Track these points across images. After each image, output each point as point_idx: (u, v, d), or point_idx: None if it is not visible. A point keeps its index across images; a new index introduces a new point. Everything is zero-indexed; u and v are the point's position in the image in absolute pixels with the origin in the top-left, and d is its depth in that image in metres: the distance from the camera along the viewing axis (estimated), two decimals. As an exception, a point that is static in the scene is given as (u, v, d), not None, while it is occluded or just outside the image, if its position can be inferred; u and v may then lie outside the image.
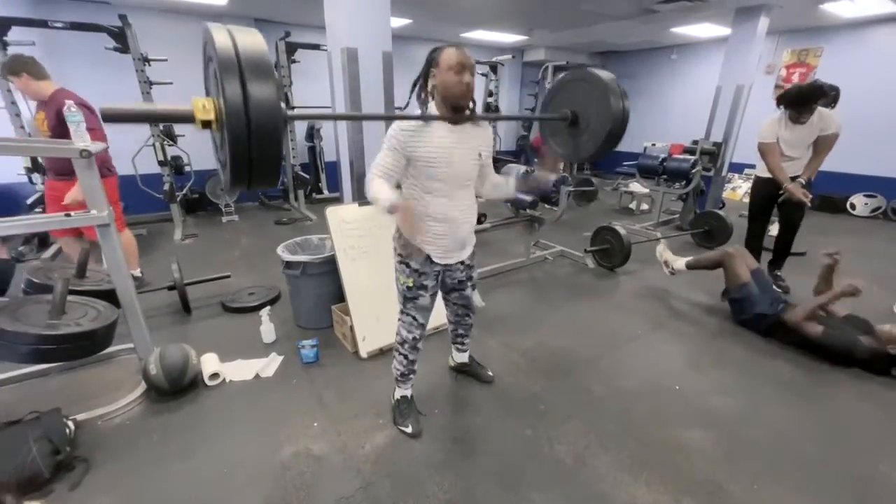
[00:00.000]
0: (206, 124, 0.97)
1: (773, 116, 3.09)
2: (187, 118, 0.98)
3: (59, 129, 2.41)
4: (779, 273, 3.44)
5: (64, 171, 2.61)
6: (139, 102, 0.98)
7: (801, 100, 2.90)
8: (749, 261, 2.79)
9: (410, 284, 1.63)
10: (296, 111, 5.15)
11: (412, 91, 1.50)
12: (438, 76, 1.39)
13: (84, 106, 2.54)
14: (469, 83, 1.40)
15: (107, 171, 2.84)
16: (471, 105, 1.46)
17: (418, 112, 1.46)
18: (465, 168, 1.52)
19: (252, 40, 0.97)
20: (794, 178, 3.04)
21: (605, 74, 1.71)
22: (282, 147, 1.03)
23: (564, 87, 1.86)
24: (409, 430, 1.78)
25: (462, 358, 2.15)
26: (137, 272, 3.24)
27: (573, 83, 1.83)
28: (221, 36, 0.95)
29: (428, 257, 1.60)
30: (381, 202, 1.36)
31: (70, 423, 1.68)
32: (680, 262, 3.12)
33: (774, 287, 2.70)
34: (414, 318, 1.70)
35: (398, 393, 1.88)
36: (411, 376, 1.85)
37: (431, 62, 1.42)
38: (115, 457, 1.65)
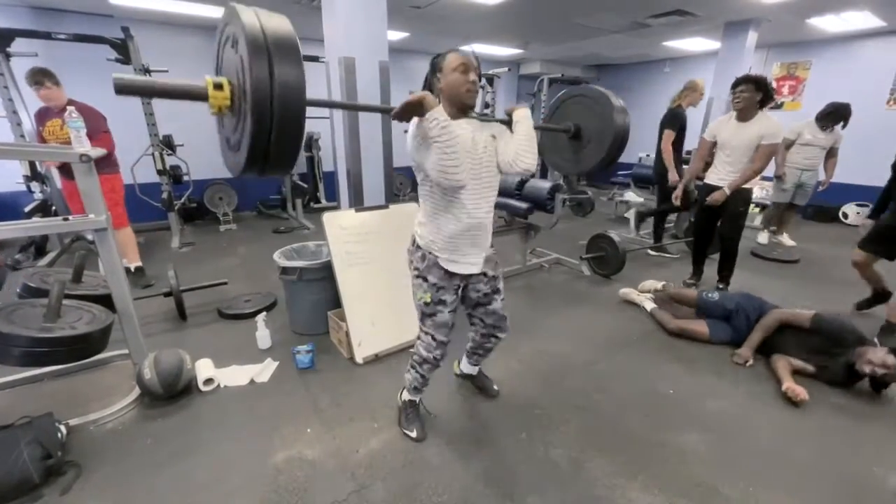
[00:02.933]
0: (219, 104, 0.96)
1: (724, 115, 3.19)
2: (200, 96, 0.97)
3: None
4: (721, 286, 3.28)
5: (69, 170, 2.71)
6: (151, 78, 1.00)
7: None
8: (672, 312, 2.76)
9: (428, 300, 1.55)
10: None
11: (429, 90, 1.46)
12: (444, 79, 1.40)
13: (94, 111, 2.93)
14: (475, 82, 1.40)
15: (115, 168, 3.21)
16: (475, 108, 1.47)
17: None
18: (487, 156, 1.48)
19: (280, 23, 0.96)
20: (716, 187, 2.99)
21: (606, 91, 1.75)
22: (303, 133, 1.00)
23: (564, 103, 1.90)
24: (413, 434, 1.76)
25: (471, 370, 2.06)
26: (138, 263, 3.44)
27: (575, 98, 1.86)
28: (249, 16, 0.93)
29: (446, 271, 1.53)
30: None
31: (62, 428, 1.67)
32: (649, 305, 2.97)
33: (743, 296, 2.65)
34: (433, 336, 1.59)
35: (407, 396, 1.81)
36: (424, 389, 1.78)
37: (435, 67, 1.43)
38: (107, 462, 1.64)
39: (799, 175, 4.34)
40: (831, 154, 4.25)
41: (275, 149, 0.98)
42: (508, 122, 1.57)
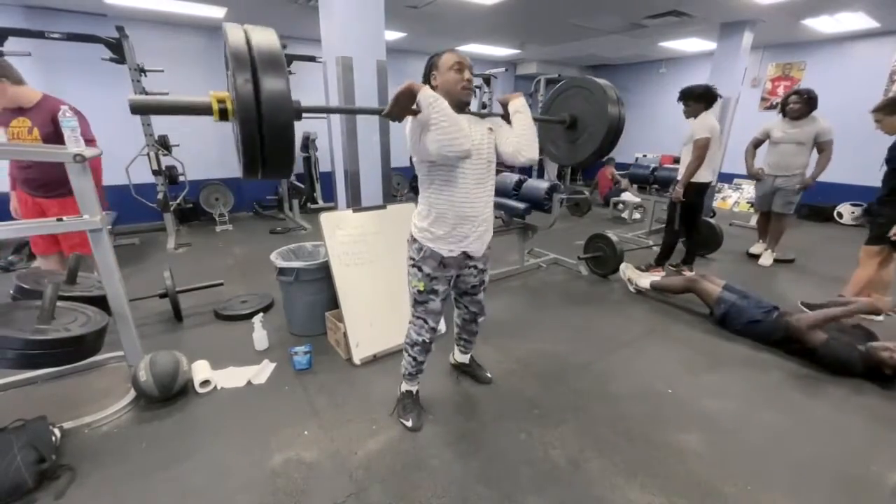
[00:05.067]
0: (222, 115, 1.03)
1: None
2: (206, 110, 1.03)
3: (54, 138, 2.31)
4: (681, 265, 3.69)
5: (46, 183, 2.35)
6: (161, 96, 1.05)
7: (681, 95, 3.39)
8: (715, 280, 2.84)
9: (421, 288, 1.64)
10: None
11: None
12: (440, 77, 1.47)
13: (77, 113, 2.34)
14: (470, 80, 1.47)
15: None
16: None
17: None
18: (485, 145, 1.53)
19: (265, 37, 1.03)
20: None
21: (602, 81, 1.77)
22: (292, 138, 1.05)
23: (562, 93, 1.92)
24: (409, 423, 1.80)
25: (463, 358, 2.18)
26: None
27: (571, 90, 1.89)
28: (235, 34, 1.01)
29: (441, 262, 1.59)
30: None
31: (56, 431, 1.65)
32: (644, 281, 3.15)
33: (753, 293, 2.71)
34: (425, 321, 1.70)
35: (404, 387, 1.89)
36: (419, 375, 1.86)
37: (432, 66, 1.50)
38: (102, 465, 1.61)
39: (772, 180, 3.84)
40: (821, 149, 3.62)
41: (269, 156, 1.04)
42: (506, 116, 1.61)
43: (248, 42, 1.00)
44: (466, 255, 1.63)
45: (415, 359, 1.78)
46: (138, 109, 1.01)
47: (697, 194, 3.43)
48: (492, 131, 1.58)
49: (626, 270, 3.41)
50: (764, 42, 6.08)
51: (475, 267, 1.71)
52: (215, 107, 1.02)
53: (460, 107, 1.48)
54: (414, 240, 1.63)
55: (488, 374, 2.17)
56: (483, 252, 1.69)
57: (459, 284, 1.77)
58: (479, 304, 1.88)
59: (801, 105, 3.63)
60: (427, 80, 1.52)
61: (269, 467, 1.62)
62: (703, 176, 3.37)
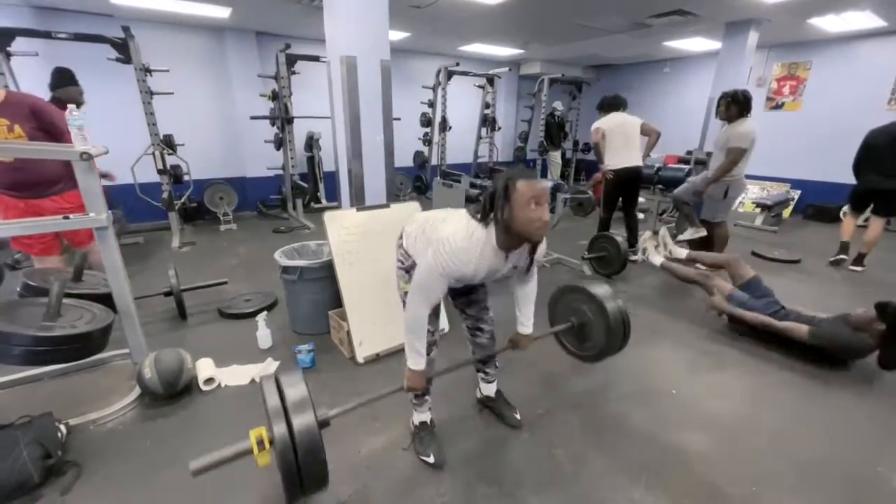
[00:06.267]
0: (263, 455, 1.16)
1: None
2: (247, 453, 1.16)
3: (39, 134, 2.17)
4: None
5: (39, 182, 2.25)
6: (223, 455, 1.13)
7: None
8: (735, 272, 2.80)
9: (408, 290, 1.53)
10: (295, 121, 5.23)
11: (485, 213, 1.30)
12: (514, 211, 1.23)
13: (51, 106, 2.28)
14: (547, 219, 1.26)
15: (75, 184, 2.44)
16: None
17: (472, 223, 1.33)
18: (502, 272, 1.45)
19: (296, 390, 1.19)
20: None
21: (590, 287, 1.76)
22: (325, 463, 1.17)
23: (561, 299, 1.93)
24: (430, 459, 1.63)
25: (488, 390, 1.92)
26: None
27: (567, 296, 1.90)
28: (270, 389, 1.21)
29: None
30: (414, 364, 1.46)
31: (62, 428, 1.66)
32: (658, 260, 3.14)
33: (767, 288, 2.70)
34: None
35: (416, 418, 1.74)
36: (426, 399, 1.69)
37: (505, 193, 1.24)
38: (107, 462, 1.63)
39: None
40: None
41: (306, 481, 1.16)
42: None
43: (281, 397, 1.17)
44: None
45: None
46: (202, 472, 1.13)
47: (615, 182, 3.82)
48: (516, 269, 1.48)
49: (647, 241, 3.38)
50: (769, 41, 6.04)
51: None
52: (256, 449, 1.15)
53: (531, 243, 1.35)
54: (402, 244, 1.58)
55: (517, 416, 1.86)
56: None
57: (459, 295, 1.69)
58: (479, 307, 1.72)
59: (723, 109, 3.47)
60: (492, 203, 1.27)
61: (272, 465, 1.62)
62: (617, 163, 3.74)
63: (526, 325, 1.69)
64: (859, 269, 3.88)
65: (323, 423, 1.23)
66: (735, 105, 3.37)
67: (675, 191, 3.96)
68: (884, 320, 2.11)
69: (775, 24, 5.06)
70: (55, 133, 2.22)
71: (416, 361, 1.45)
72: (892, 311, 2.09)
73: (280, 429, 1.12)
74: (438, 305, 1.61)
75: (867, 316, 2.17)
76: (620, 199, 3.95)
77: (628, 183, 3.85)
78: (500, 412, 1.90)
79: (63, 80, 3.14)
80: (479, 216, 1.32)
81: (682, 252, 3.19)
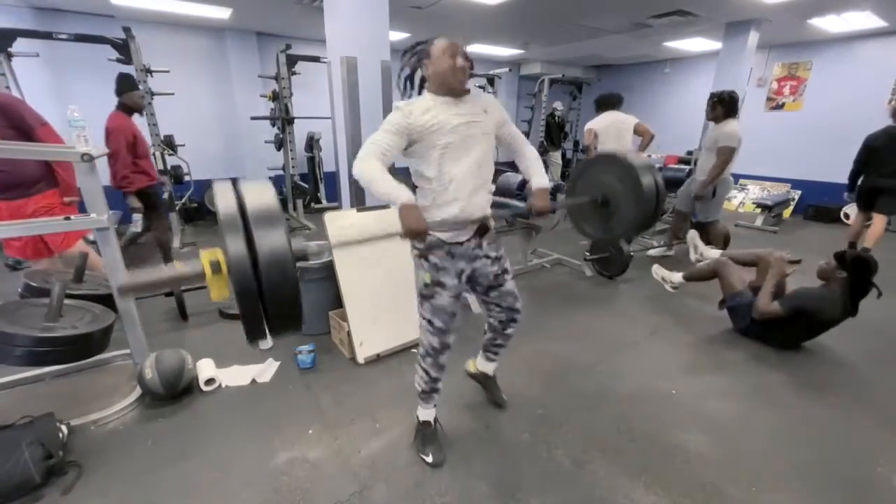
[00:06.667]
0: (217, 280, 0.92)
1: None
2: (199, 277, 0.93)
3: (10, 132, 2.11)
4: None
5: (20, 183, 2.21)
6: (152, 270, 0.98)
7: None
8: (743, 273, 2.81)
9: (427, 280, 1.49)
10: (295, 121, 5.23)
11: (404, 87, 1.52)
12: (432, 66, 1.39)
13: (16, 100, 2.25)
14: (464, 67, 1.38)
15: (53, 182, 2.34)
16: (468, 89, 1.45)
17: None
18: (483, 139, 1.45)
19: (260, 195, 0.95)
20: None
21: (627, 157, 1.66)
22: (298, 294, 0.94)
23: (587, 170, 1.82)
24: (429, 459, 1.62)
25: (487, 367, 1.94)
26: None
27: (597, 167, 1.79)
28: (224, 194, 0.94)
29: (449, 252, 1.48)
30: (398, 198, 1.28)
31: (63, 428, 1.67)
32: (677, 276, 3.11)
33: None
34: (430, 322, 1.52)
35: (421, 414, 1.71)
36: (434, 395, 1.66)
37: (421, 54, 1.42)
38: (108, 462, 1.63)
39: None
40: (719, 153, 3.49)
41: (274, 315, 0.94)
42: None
43: (238, 201, 0.93)
44: (470, 237, 1.51)
45: (427, 373, 1.60)
46: (131, 291, 0.98)
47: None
48: (487, 113, 1.47)
49: (660, 271, 3.28)
50: (770, 42, 6.03)
51: (487, 256, 1.55)
52: (208, 270, 0.91)
53: (456, 94, 1.41)
54: None
55: (504, 397, 1.98)
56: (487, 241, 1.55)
57: (479, 279, 1.58)
58: (512, 297, 1.65)
59: (710, 109, 3.60)
60: (414, 68, 1.44)
61: (273, 465, 1.63)
62: None
63: (541, 180, 1.59)
64: None
65: (300, 257, 1.00)
66: (721, 105, 3.45)
67: (677, 205, 4.10)
68: (843, 268, 2.32)
69: (776, 25, 5.06)
70: (25, 129, 2.15)
71: (397, 195, 1.29)
72: (849, 257, 2.31)
73: (237, 245, 0.86)
74: (450, 310, 1.52)
75: (830, 266, 2.39)
76: None
77: None
78: (491, 391, 2.00)
79: (127, 86, 3.16)
80: (408, 96, 1.46)
81: (715, 252, 3.18)
